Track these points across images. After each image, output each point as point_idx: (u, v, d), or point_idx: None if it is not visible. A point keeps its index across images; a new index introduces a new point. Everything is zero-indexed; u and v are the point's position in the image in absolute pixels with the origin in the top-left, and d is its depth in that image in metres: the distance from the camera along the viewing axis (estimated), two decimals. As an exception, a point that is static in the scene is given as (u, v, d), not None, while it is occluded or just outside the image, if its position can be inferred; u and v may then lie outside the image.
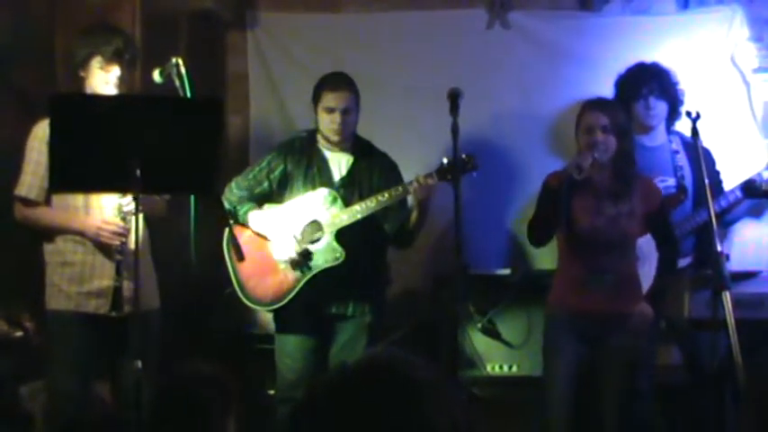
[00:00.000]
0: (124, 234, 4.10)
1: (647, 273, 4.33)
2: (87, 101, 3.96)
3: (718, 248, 3.74)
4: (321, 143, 4.50)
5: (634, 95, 4.68)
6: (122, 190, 3.91)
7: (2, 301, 4.27)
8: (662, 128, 4.76)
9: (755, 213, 5.00)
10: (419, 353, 1.63)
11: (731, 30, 5.17)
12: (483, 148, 4.79)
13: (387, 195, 4.31)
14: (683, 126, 4.68)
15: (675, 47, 5.13)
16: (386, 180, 4.43)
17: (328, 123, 4.40)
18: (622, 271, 4.23)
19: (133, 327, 3.62)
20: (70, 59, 4.30)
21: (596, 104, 4.26)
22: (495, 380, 4.91)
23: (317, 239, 4.37)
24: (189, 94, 3.88)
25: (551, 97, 5.25)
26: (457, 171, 4.01)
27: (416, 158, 4.80)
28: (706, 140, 4.29)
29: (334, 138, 4.43)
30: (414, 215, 4.35)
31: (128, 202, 4.01)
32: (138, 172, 3.44)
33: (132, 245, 3.78)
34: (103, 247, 4.15)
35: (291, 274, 4.38)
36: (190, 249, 3.79)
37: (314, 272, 4.36)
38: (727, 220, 4.82)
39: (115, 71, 4.19)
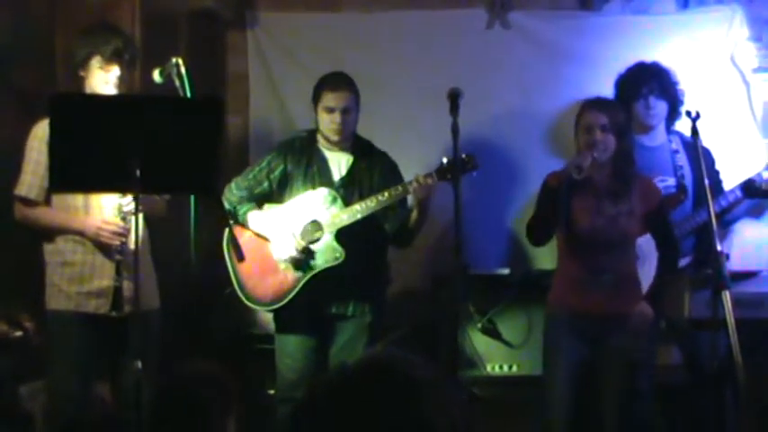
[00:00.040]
0: (124, 234, 4.10)
1: (647, 272, 4.33)
2: (87, 101, 3.96)
3: (718, 248, 3.74)
4: (321, 143, 4.50)
5: (634, 95, 4.68)
6: (122, 190, 3.90)
7: (2, 301, 4.27)
8: (662, 127, 4.76)
9: (755, 213, 5.00)
10: (419, 353, 1.63)
11: (731, 29, 5.18)
12: (483, 147, 4.80)
13: (386, 195, 4.31)
14: (682, 126, 4.68)
15: (675, 46, 5.13)
16: (386, 180, 4.43)
17: (328, 123, 4.40)
18: (622, 271, 4.23)
19: (133, 327, 3.62)
20: (70, 59, 4.30)
21: (595, 104, 4.26)
22: (495, 380, 4.91)
23: (317, 239, 4.37)
24: (189, 94, 3.88)
25: (551, 97, 5.25)
26: (457, 171, 4.01)
27: (416, 158, 4.80)
28: (706, 140, 4.29)
29: (334, 137, 4.43)
30: (414, 215, 4.35)
31: (128, 201, 4.01)
32: (138, 172, 3.44)
33: (132, 245, 3.78)
34: (103, 247, 4.15)
35: (291, 274, 4.38)
36: (190, 249, 3.78)
37: (314, 272, 4.36)
38: (726, 219, 4.83)
39: (115, 71, 4.19)
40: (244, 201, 4.48)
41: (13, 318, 4.22)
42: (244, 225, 4.44)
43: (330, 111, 4.39)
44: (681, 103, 4.72)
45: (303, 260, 4.35)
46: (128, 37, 4.36)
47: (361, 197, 4.38)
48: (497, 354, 4.94)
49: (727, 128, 5.08)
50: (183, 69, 3.90)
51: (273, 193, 4.50)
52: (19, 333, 4.21)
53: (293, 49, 5.48)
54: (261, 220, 4.43)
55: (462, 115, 3.89)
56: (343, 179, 4.47)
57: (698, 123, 3.94)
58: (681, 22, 5.25)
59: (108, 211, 4.18)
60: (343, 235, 4.36)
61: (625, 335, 4.18)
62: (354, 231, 4.35)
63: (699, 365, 4.58)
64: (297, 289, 4.36)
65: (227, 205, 4.40)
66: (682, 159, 4.72)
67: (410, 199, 4.37)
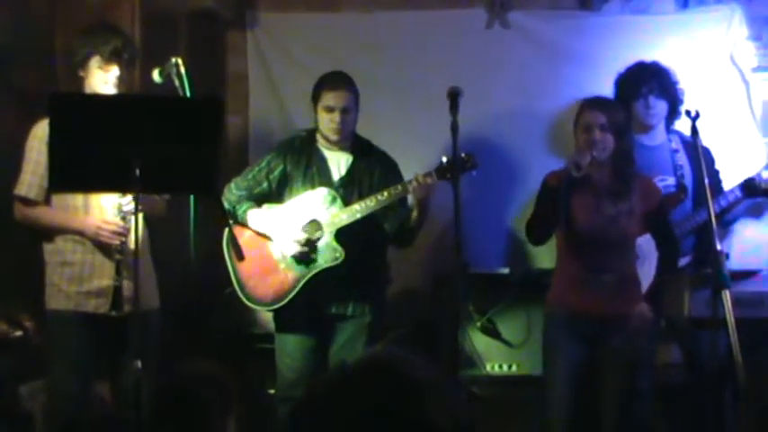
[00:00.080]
0: (124, 234, 4.10)
1: (647, 272, 4.33)
2: (87, 100, 3.96)
3: (718, 247, 3.74)
4: (320, 143, 4.50)
5: (634, 94, 4.68)
6: (122, 190, 3.90)
7: (1, 301, 4.27)
8: (662, 127, 4.76)
9: (755, 212, 5.00)
10: (419, 352, 1.63)
11: (730, 29, 5.18)
12: (482, 147, 4.80)
13: (386, 194, 4.31)
14: (682, 125, 4.68)
15: (675, 46, 5.13)
16: (385, 179, 4.43)
17: (328, 123, 4.40)
18: (622, 270, 4.23)
19: (133, 326, 3.62)
20: (70, 59, 4.30)
21: (594, 103, 4.27)
22: (495, 379, 4.91)
23: (317, 239, 4.37)
24: (188, 94, 3.88)
25: (551, 96, 5.26)
26: (456, 170, 4.01)
27: (416, 157, 4.80)
28: (705, 139, 4.29)
29: (334, 137, 4.43)
30: (413, 214, 4.35)
31: (127, 201, 4.01)
32: (138, 172, 3.44)
33: (132, 244, 3.78)
34: (103, 247, 4.15)
35: (291, 274, 4.38)
36: (189, 249, 3.78)
37: (314, 272, 4.36)
38: (726, 219, 4.83)
39: (114, 71, 4.19)
40: (243, 200, 4.48)
41: (13, 317, 4.22)
42: (243, 224, 4.45)
43: (329, 110, 4.39)
44: (681, 102, 4.72)
45: (308, 252, 4.34)
46: (127, 37, 4.36)
47: (361, 197, 4.38)
48: (497, 353, 4.94)
49: (726, 127, 5.08)
50: (182, 69, 3.90)
51: (273, 193, 4.50)
52: (19, 333, 4.21)
53: (293, 49, 5.49)
54: (261, 217, 4.44)
55: (462, 114, 3.89)
56: (342, 179, 4.47)
57: (697, 123, 3.94)
58: (680, 22, 5.26)
59: (108, 210, 4.18)
60: (342, 235, 4.36)
61: (625, 335, 4.18)
62: (354, 231, 4.35)
63: (699, 365, 4.58)
64: (297, 289, 4.36)
65: (226, 205, 4.40)
66: (681, 159, 4.72)
67: (410, 198, 4.37)
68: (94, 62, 4.18)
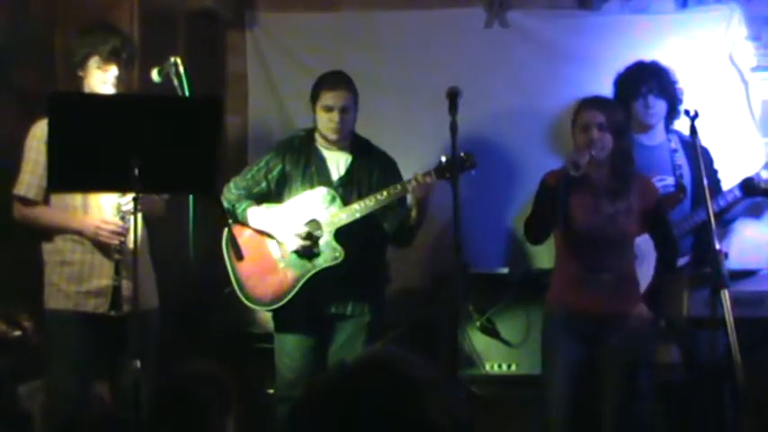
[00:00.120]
0: (123, 233, 4.10)
1: (646, 272, 4.33)
2: (86, 100, 3.96)
3: (717, 247, 3.74)
4: (319, 142, 4.50)
5: (633, 94, 4.69)
6: (121, 189, 3.90)
7: (1, 301, 4.27)
8: (661, 127, 4.76)
9: (754, 212, 5.01)
10: (418, 352, 1.63)
11: (729, 28, 5.18)
12: (482, 146, 4.80)
13: (385, 194, 4.31)
14: (681, 125, 4.68)
15: (674, 46, 5.13)
16: (384, 179, 4.43)
17: (326, 122, 4.40)
18: (620, 270, 4.23)
19: (132, 326, 3.62)
20: (69, 59, 4.30)
21: (593, 102, 4.26)
22: (494, 379, 4.91)
23: (318, 236, 4.37)
24: (187, 94, 3.88)
25: (550, 96, 5.26)
26: (455, 169, 4.01)
27: (415, 157, 4.80)
28: (704, 139, 4.29)
29: (333, 136, 4.43)
30: (413, 214, 4.35)
31: (126, 201, 4.01)
32: (137, 171, 3.44)
33: (131, 244, 3.78)
34: (102, 247, 4.15)
35: (291, 274, 4.39)
36: (189, 249, 3.78)
37: (313, 271, 4.36)
38: (725, 218, 4.83)
39: (113, 71, 4.19)
40: (242, 199, 4.48)
41: (12, 317, 4.22)
42: (243, 222, 4.45)
43: (328, 110, 4.39)
44: (680, 102, 4.72)
45: (308, 248, 4.34)
46: (126, 36, 4.36)
47: (360, 196, 4.38)
48: (496, 353, 4.94)
49: (725, 127, 5.08)
50: (181, 69, 3.90)
51: (272, 193, 4.50)
52: (18, 332, 4.21)
53: (292, 48, 5.49)
54: (261, 215, 4.44)
55: (461, 114, 3.89)
56: (341, 178, 4.47)
57: (696, 122, 3.94)
58: (679, 22, 5.26)
59: (107, 210, 4.18)
60: (342, 234, 4.36)
61: (624, 334, 4.18)
62: (353, 231, 4.35)
63: (698, 364, 4.58)
64: (296, 288, 4.36)
65: (225, 204, 4.40)
66: (680, 158, 4.72)
67: (409, 198, 4.37)
68: (93, 62, 4.18)
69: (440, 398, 1.56)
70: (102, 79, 4.18)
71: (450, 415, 1.56)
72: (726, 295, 3.65)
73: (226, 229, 4.25)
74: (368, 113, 4.63)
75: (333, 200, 4.39)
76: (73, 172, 3.54)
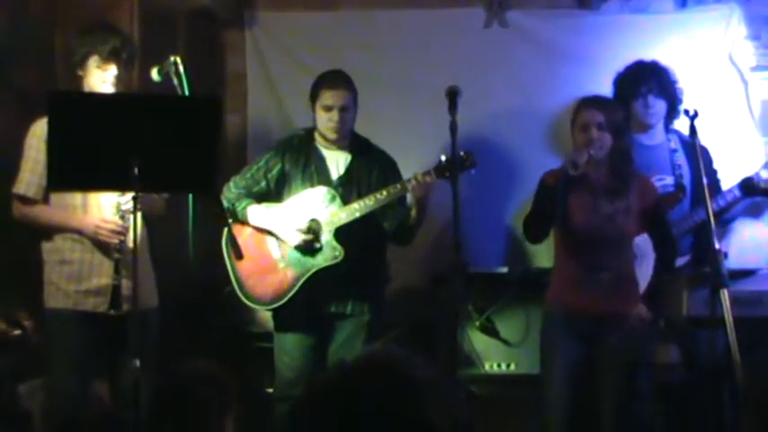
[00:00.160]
0: (122, 232, 4.10)
1: (645, 272, 4.33)
2: (85, 99, 3.96)
3: (717, 246, 3.74)
4: (319, 141, 4.50)
5: (633, 94, 4.69)
6: (121, 188, 3.91)
7: (0, 300, 4.27)
8: (660, 126, 4.77)
9: (754, 211, 5.01)
10: (417, 351, 1.63)
11: (729, 28, 5.18)
12: (481, 146, 4.79)
13: (385, 193, 4.31)
14: (680, 124, 4.68)
15: (673, 45, 5.13)
16: (384, 178, 4.43)
17: (326, 121, 4.40)
18: (619, 269, 4.23)
19: (132, 325, 3.62)
20: (69, 59, 4.30)
21: (592, 101, 4.27)
22: (494, 378, 4.91)
23: (319, 234, 4.37)
24: (187, 93, 3.88)
25: (550, 95, 5.25)
26: (455, 168, 4.01)
27: (415, 156, 4.80)
28: (704, 139, 4.29)
29: (332, 136, 4.43)
30: (412, 213, 4.35)
31: (126, 200, 4.01)
32: (137, 170, 3.44)
33: (131, 243, 3.78)
34: (102, 246, 4.15)
35: (291, 273, 4.39)
36: (188, 248, 3.78)
37: (313, 270, 4.36)
38: (725, 218, 4.83)
39: (112, 70, 4.19)
40: (242, 198, 4.48)
41: (12, 316, 4.22)
42: (243, 221, 4.45)
43: (328, 109, 4.39)
44: (680, 101, 4.72)
45: (310, 242, 4.34)
46: (126, 36, 4.36)
47: (360, 196, 4.38)
48: (495, 352, 4.94)
49: (725, 126, 5.08)
50: (181, 68, 3.90)
51: (271, 192, 4.50)
52: (17, 332, 4.21)
53: (291, 48, 5.49)
54: (261, 214, 4.44)
55: (460, 113, 3.89)
56: (341, 178, 4.47)
57: (696, 122, 3.94)
58: (679, 21, 5.26)
59: (106, 209, 4.18)
60: (341, 234, 4.36)
61: (623, 334, 4.18)
62: (353, 230, 4.35)
63: (697, 364, 4.58)
64: (296, 288, 4.36)
65: (225, 203, 4.40)
66: (680, 158, 4.72)
67: (409, 197, 4.37)
68: (93, 61, 4.18)
69: (439, 397, 1.57)
70: (101, 79, 4.18)
71: (450, 414, 1.56)
72: (725, 295, 3.65)
73: (225, 229, 4.25)
74: (367, 113, 4.63)
75: (333, 199, 4.39)
76: (73, 171, 3.54)
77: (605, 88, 4.74)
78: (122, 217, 4.11)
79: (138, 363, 3.44)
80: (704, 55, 5.17)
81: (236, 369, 4.44)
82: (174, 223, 4.29)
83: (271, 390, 4.64)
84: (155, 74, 4.04)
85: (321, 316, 4.42)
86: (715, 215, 4.03)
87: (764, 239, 5.06)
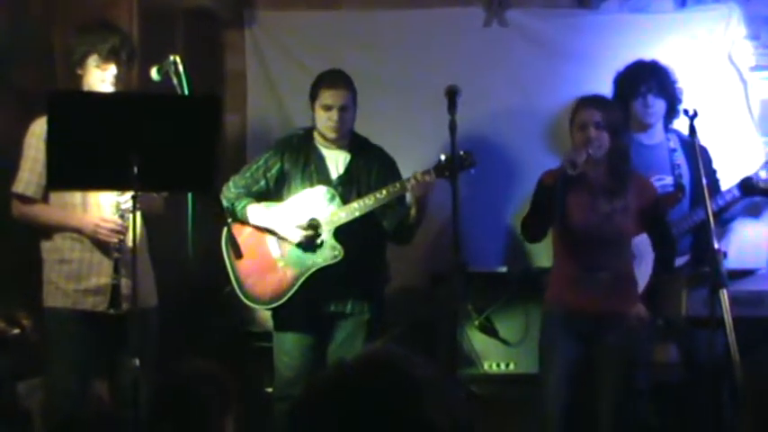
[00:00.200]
0: (122, 232, 4.10)
1: (644, 271, 4.33)
2: (85, 98, 3.96)
3: (716, 246, 3.74)
4: (318, 141, 4.50)
5: (632, 93, 4.69)
6: (120, 187, 3.91)
7: None
8: (660, 126, 4.77)
9: (753, 211, 5.01)
10: (417, 350, 1.63)
11: (728, 28, 5.18)
12: (481, 145, 4.80)
13: (384, 193, 4.31)
14: (680, 124, 4.68)
15: (673, 45, 5.14)
16: (384, 177, 4.43)
17: (325, 121, 4.40)
18: (618, 268, 4.23)
19: (131, 325, 3.62)
20: (68, 58, 4.30)
21: (590, 101, 4.27)
22: (493, 377, 4.91)
23: (320, 232, 4.37)
24: (186, 92, 3.88)
25: (549, 95, 5.26)
26: (454, 168, 4.01)
27: (414, 155, 4.80)
28: (703, 138, 4.29)
29: (332, 135, 4.43)
30: (412, 212, 4.35)
31: (125, 199, 4.01)
32: (136, 169, 3.44)
33: (130, 242, 3.79)
34: (101, 245, 4.15)
35: (290, 272, 4.39)
36: (188, 247, 3.78)
37: (312, 269, 4.37)
38: (724, 218, 4.83)
39: (112, 69, 4.18)
40: (242, 197, 4.48)
41: (11, 315, 4.21)
42: (243, 220, 4.45)
43: (327, 108, 4.39)
44: (679, 101, 4.72)
45: (311, 238, 4.34)
46: (125, 35, 4.36)
47: (359, 195, 4.39)
48: (495, 352, 4.94)
49: (724, 126, 5.08)
50: (180, 67, 3.90)
51: (271, 191, 4.50)
52: (17, 331, 4.21)
53: (291, 47, 5.49)
54: (260, 213, 4.44)
55: (460, 113, 3.90)
56: (341, 177, 4.47)
57: (695, 122, 3.94)
58: (678, 21, 5.26)
59: (106, 208, 4.18)
60: (341, 233, 4.36)
61: (621, 334, 4.18)
62: (353, 229, 4.35)
63: (696, 363, 4.58)
64: (296, 287, 4.37)
65: (224, 203, 4.40)
66: (679, 158, 4.72)
67: (408, 196, 4.37)
68: (92, 61, 4.17)
69: (439, 396, 1.57)
70: (100, 78, 4.17)
71: (450, 414, 1.56)
72: (724, 295, 3.65)
73: (225, 228, 4.25)
74: (367, 112, 4.63)
75: (332, 198, 4.39)
76: (72, 170, 3.54)
77: (605, 87, 4.74)
78: (122, 216, 4.11)
79: (137, 362, 3.44)
80: (704, 54, 5.18)
81: (236, 368, 4.44)
82: (173, 222, 4.29)
83: (270, 389, 4.64)
84: (154, 73, 4.04)
85: (321, 315, 4.42)
86: (714, 215, 4.03)
87: (763, 239, 5.06)
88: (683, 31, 5.21)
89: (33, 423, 4.36)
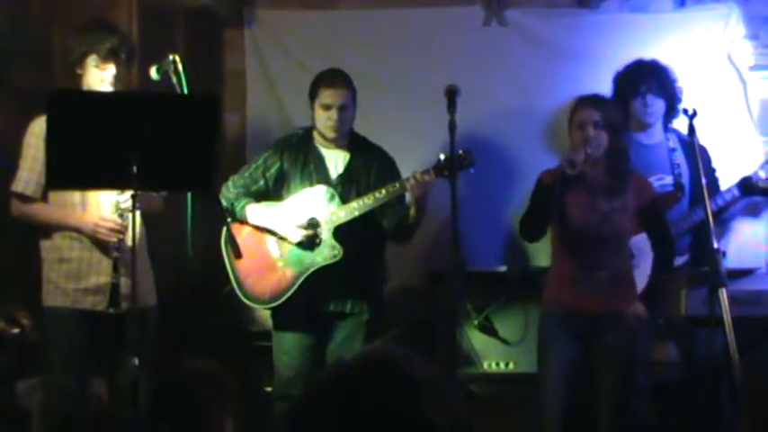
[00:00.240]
0: (121, 231, 4.10)
1: (643, 271, 4.34)
2: (84, 97, 3.96)
3: (715, 246, 3.75)
4: (317, 140, 4.50)
5: (632, 93, 4.69)
6: (120, 187, 3.91)
7: (-1, 298, 4.27)
8: (659, 125, 4.77)
9: (752, 211, 5.01)
10: (416, 350, 1.63)
11: (728, 27, 5.18)
12: (480, 144, 4.79)
13: (384, 192, 4.31)
14: (679, 123, 4.68)
15: (672, 44, 5.13)
16: (383, 176, 4.43)
17: (325, 120, 4.40)
18: (616, 268, 4.23)
19: (130, 324, 3.63)
20: (67, 57, 4.30)
21: (589, 100, 4.27)
22: (492, 377, 4.91)
23: (320, 230, 4.37)
24: (186, 92, 3.88)
25: (549, 94, 5.25)
26: (454, 167, 4.01)
27: (414, 155, 4.80)
28: (702, 138, 4.30)
29: (331, 135, 4.43)
30: (411, 211, 4.35)
31: (125, 198, 4.01)
32: (135, 169, 3.44)
33: (129, 242, 3.79)
34: (101, 244, 4.15)
35: (290, 272, 4.39)
36: (187, 247, 3.78)
37: (312, 269, 4.37)
38: (723, 218, 4.83)
39: (111, 69, 4.18)
40: (241, 197, 4.48)
41: (10, 315, 4.21)
42: (242, 220, 4.45)
43: (327, 108, 4.39)
44: (679, 100, 4.72)
45: (311, 237, 4.34)
46: (124, 35, 4.36)
47: (359, 194, 4.38)
48: (494, 351, 4.94)
49: (723, 126, 5.08)
50: (180, 67, 3.90)
51: (270, 191, 4.50)
52: (16, 330, 4.20)
53: (290, 46, 5.49)
54: (260, 212, 4.44)
55: (459, 112, 3.90)
56: (340, 176, 4.47)
57: (695, 121, 3.95)
58: (678, 20, 5.26)
59: (105, 207, 4.18)
60: (340, 232, 4.36)
61: (620, 333, 4.18)
62: (352, 229, 4.35)
63: (695, 363, 4.59)
64: (295, 286, 4.37)
65: (224, 202, 4.40)
66: (679, 157, 4.72)
67: (407, 196, 4.37)
68: (91, 60, 4.17)
69: (438, 396, 1.57)
70: (99, 78, 4.17)
71: (449, 413, 1.56)
72: (723, 294, 3.66)
73: (224, 228, 4.25)
74: (366, 112, 4.63)
75: (332, 198, 4.39)
76: (71, 169, 3.54)
77: (604, 87, 4.74)
78: (121, 215, 4.11)
79: (136, 361, 3.45)
80: (703, 54, 5.18)
81: (235, 368, 4.44)
82: (172, 222, 4.29)
83: (270, 388, 4.64)
84: (153, 72, 4.05)
85: (320, 315, 4.42)
86: (714, 214, 4.03)
87: (763, 239, 5.06)
88: (683, 30, 5.21)
89: (32, 422, 4.36)
